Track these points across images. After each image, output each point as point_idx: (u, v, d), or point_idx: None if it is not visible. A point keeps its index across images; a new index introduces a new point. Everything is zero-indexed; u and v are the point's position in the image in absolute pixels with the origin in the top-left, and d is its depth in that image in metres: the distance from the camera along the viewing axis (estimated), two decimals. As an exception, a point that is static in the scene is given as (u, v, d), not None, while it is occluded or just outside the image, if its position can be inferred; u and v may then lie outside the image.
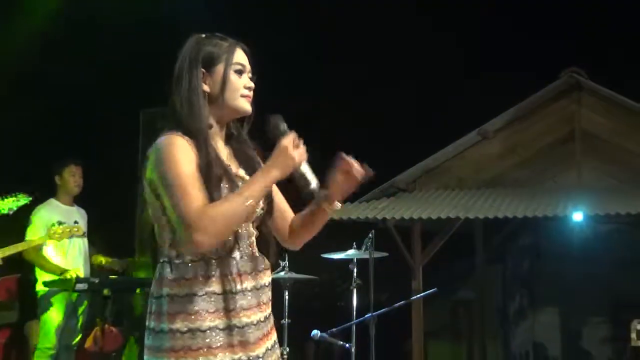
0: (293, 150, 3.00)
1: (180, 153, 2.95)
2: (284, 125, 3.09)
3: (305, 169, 3.04)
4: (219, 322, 3.00)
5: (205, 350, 2.98)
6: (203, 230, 2.88)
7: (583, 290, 9.65)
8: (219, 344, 2.99)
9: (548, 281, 10.03)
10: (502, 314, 10.47)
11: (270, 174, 2.98)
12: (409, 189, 9.30)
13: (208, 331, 2.99)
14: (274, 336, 3.18)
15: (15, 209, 6.39)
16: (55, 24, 9.98)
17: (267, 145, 3.08)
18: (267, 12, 10.83)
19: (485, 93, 10.47)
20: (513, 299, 10.37)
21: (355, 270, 6.34)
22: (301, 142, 3.03)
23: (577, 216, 8.16)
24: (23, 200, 6.44)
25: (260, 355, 3.08)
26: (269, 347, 3.13)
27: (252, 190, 2.96)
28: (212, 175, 2.98)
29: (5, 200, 6.36)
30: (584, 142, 8.93)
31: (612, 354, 9.59)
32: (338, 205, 3.15)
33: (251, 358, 3.05)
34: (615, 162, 8.81)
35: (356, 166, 3.09)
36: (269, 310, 3.16)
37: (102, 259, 7.68)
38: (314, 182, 3.05)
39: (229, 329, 3.02)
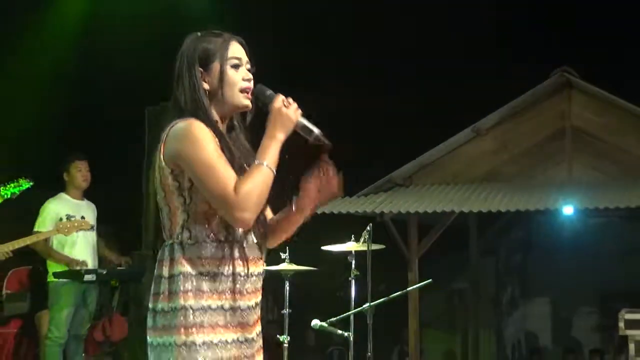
0: (287, 109, 3.04)
1: (204, 134, 2.97)
2: (269, 91, 3.13)
3: (304, 121, 3.08)
4: (225, 303, 3.04)
5: (213, 328, 3.02)
6: (243, 208, 2.92)
7: (573, 281, 9.68)
8: (224, 323, 3.04)
9: (539, 273, 10.06)
10: (495, 304, 10.49)
11: (275, 137, 3.02)
12: (406, 184, 9.32)
13: (217, 310, 3.03)
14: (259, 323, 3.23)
15: (17, 193, 6.43)
16: (70, 24, 10.00)
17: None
18: (267, 7, 10.80)
19: (480, 91, 10.48)
20: (506, 289, 10.41)
21: (353, 262, 6.37)
22: (290, 99, 3.08)
23: (568, 210, 8.19)
24: (25, 185, 6.48)
25: (255, 338, 3.13)
26: (258, 333, 3.18)
27: (269, 157, 2.99)
28: (234, 161, 3.01)
29: (8, 186, 6.40)
30: (574, 139, 8.95)
31: (600, 342, 9.62)
32: (308, 213, 3.15)
33: (247, 339, 3.10)
34: (604, 157, 8.83)
35: (334, 180, 3.09)
36: (260, 297, 3.21)
37: (106, 253, 7.72)
38: (315, 130, 3.09)
39: (232, 309, 3.06)
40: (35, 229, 7.09)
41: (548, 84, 9.02)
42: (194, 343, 2.98)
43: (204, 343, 2.98)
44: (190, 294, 3.00)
